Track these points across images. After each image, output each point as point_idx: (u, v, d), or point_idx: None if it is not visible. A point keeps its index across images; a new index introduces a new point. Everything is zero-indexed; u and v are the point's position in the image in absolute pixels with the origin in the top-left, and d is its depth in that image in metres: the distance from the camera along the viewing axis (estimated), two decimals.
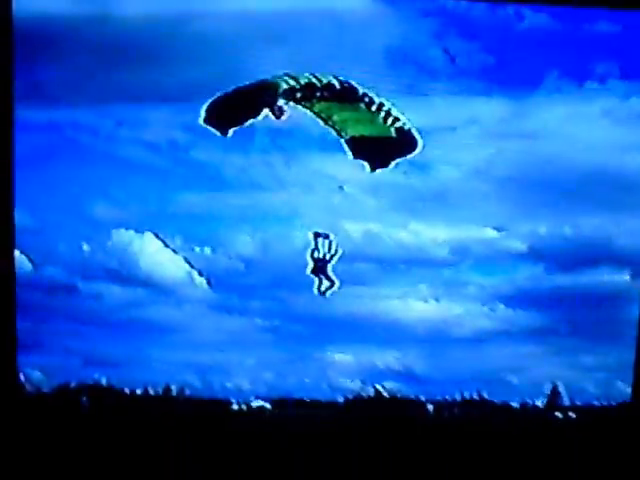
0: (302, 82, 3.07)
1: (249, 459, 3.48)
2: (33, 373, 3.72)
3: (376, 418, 4.40)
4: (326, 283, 3.65)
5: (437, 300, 4.10)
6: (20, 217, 3.47)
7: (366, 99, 3.22)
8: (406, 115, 3.32)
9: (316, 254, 3.60)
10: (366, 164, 3.52)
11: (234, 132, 3.13)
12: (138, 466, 3.38)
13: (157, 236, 3.74)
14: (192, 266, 3.86)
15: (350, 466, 3.69)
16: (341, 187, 3.63)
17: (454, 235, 4.04)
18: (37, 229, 3.61)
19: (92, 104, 3.46)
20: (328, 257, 3.61)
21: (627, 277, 3.90)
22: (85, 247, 3.75)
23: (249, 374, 4.01)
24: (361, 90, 3.21)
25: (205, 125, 3.15)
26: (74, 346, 3.72)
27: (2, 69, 3.00)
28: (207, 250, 3.91)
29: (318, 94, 3.15)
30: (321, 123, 3.38)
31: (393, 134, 3.31)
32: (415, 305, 4.10)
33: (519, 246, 4.05)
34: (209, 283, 3.85)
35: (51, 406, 3.52)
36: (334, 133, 3.44)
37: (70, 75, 3.36)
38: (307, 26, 3.42)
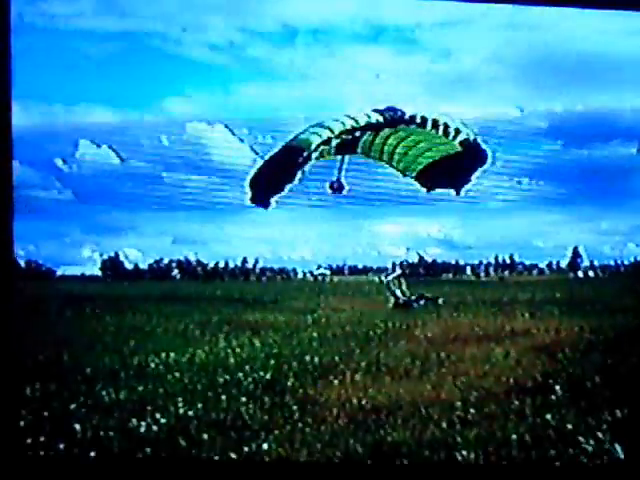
0: (336, 129, 3.25)
1: None
2: (131, 252, 4.39)
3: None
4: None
5: None
6: (103, 114, 3.91)
7: (417, 120, 3.36)
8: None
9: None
10: (450, 190, 3.83)
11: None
12: None
13: (226, 127, 4.18)
14: (257, 153, 4.35)
15: None
16: (377, 75, 4.06)
17: (480, 115, 4.28)
18: (121, 127, 4.11)
19: (158, 14, 3.98)
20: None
21: (634, 150, 4.17)
22: (165, 141, 4.29)
23: (311, 246, 4.60)
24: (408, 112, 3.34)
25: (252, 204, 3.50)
26: (164, 228, 4.32)
27: None
28: (269, 138, 4.41)
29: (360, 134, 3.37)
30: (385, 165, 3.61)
31: (459, 148, 3.60)
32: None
33: (539, 124, 4.36)
34: None
35: None
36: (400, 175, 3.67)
37: None
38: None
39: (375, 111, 3.55)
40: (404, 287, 5.03)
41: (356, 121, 3.42)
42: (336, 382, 3.73)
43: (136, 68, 3.94)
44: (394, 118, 3.39)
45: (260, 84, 4.20)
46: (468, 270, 5.42)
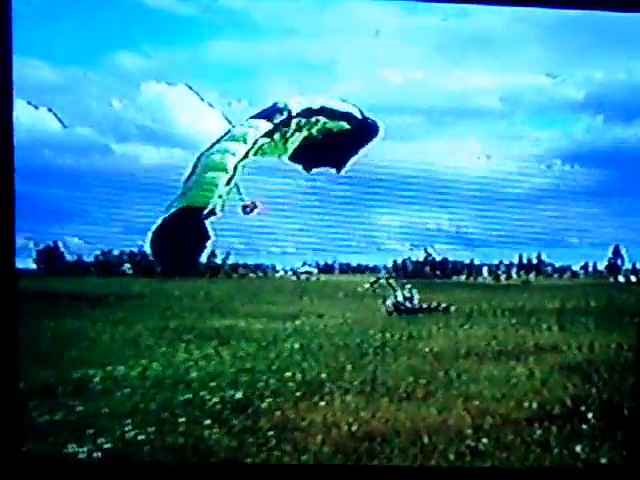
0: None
1: None
2: (73, 242, 4.39)
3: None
4: None
5: (489, 157, 4.50)
6: (44, 73, 3.93)
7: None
8: None
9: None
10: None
11: None
12: None
13: (191, 89, 4.14)
14: (230, 122, 4.32)
15: None
16: (377, 32, 4.06)
17: (504, 83, 4.42)
18: (64, 86, 4.12)
19: None
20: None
21: None
22: (115, 104, 4.30)
23: (294, 238, 4.63)
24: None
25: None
26: (114, 213, 4.32)
27: None
28: (244, 104, 4.40)
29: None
30: None
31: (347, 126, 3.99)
32: (466, 162, 4.51)
33: (575, 94, 4.42)
34: None
35: None
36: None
37: None
38: None
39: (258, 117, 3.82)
40: (405, 292, 5.09)
41: (244, 140, 3.74)
42: (322, 404, 3.78)
43: (82, 16, 3.90)
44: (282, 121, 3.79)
45: (234, 39, 4.22)
46: (485, 271, 5.50)
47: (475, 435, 3.53)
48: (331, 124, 4.03)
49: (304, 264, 5.25)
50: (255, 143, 3.81)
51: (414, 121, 4.58)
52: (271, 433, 3.51)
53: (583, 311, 4.96)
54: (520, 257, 5.28)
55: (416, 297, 5.15)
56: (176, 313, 4.99)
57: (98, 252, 4.68)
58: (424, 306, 5.12)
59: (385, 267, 5.15)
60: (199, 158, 3.83)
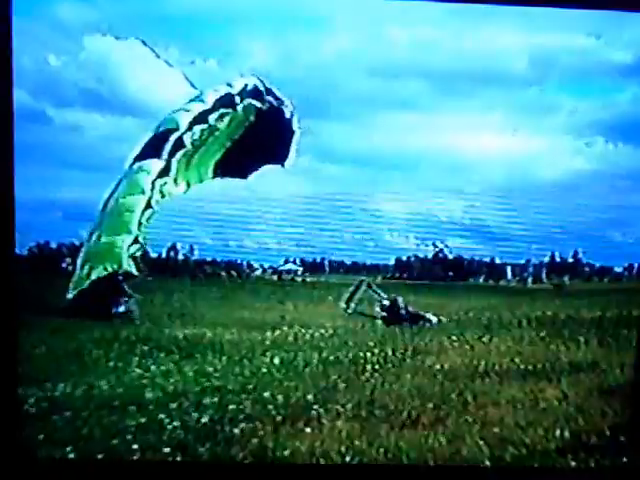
0: None
1: None
2: None
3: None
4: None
5: (515, 131, 4.54)
6: None
7: None
8: None
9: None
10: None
11: None
12: None
13: (145, 44, 4.18)
14: (193, 85, 4.40)
15: None
16: None
17: (534, 43, 4.43)
18: None
19: None
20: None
21: None
22: (53, 61, 4.34)
23: (275, 229, 4.73)
24: None
25: None
26: (52, 194, 4.39)
27: None
28: (212, 63, 4.41)
29: None
30: None
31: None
32: (486, 138, 4.56)
33: (622, 57, 4.46)
34: None
35: None
36: None
37: None
38: None
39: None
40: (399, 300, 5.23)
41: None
42: (308, 430, 3.87)
43: None
44: None
45: None
46: (509, 273, 5.61)
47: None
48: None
49: (286, 261, 5.33)
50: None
51: (421, 88, 4.67)
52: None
53: (626, 322, 4.90)
54: (552, 256, 5.35)
55: (402, 305, 5.26)
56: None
57: (32, 244, 4.73)
58: (411, 314, 5.20)
59: (385, 267, 5.24)
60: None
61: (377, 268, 5.08)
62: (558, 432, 3.93)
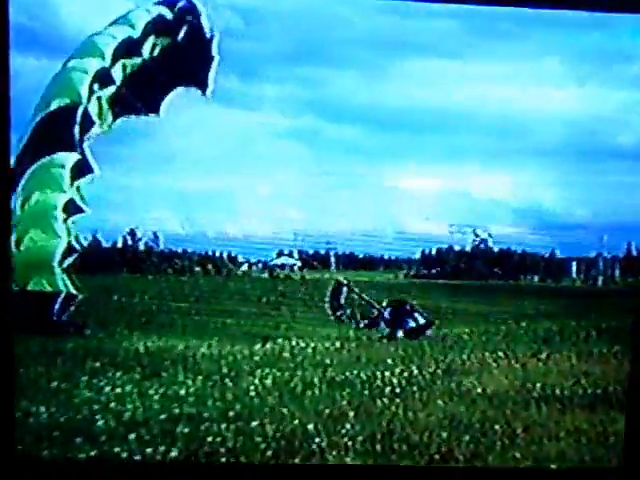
0: None
1: None
2: None
3: None
4: None
5: (581, 85, 4.64)
6: None
7: None
8: None
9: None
10: None
11: None
12: None
13: None
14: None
15: None
16: None
17: None
18: None
19: None
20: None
21: None
22: None
23: (264, 212, 4.78)
24: None
25: None
26: None
27: None
28: None
29: None
30: None
31: None
32: (541, 93, 4.64)
33: None
34: None
35: None
36: None
37: None
38: None
39: None
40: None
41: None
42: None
43: None
44: None
45: None
46: (573, 269, 5.66)
47: None
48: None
49: (280, 253, 5.39)
50: None
51: (452, 27, 4.68)
52: None
53: None
54: (628, 248, 5.40)
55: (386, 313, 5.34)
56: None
57: None
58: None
59: (409, 261, 5.29)
60: None
61: (398, 263, 5.12)
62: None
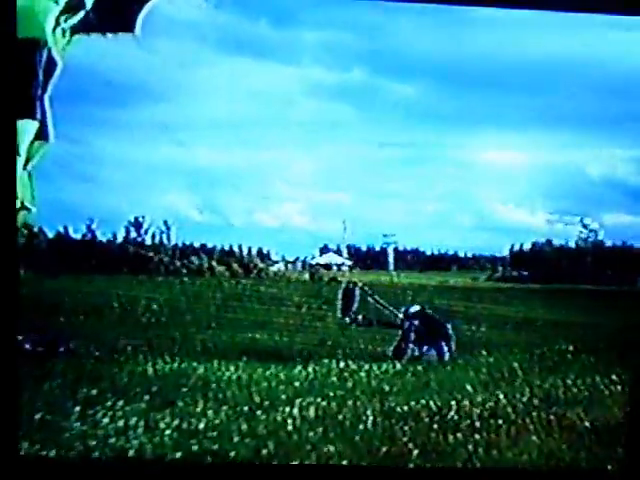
0: None
1: None
2: None
3: None
4: None
5: None
6: None
7: None
8: None
9: None
10: None
11: None
12: None
13: None
14: None
15: None
16: None
17: None
18: None
19: None
20: None
21: None
22: None
23: (305, 195, 4.83)
24: None
25: None
26: None
27: None
28: None
29: None
30: None
31: None
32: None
33: None
34: None
35: None
36: None
37: None
38: None
39: None
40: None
41: None
42: None
43: None
44: None
45: None
46: None
47: None
48: None
49: (324, 249, 5.45)
50: None
51: None
52: None
53: None
54: None
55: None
56: None
57: None
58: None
59: (494, 260, 5.29)
60: None
61: (478, 262, 5.13)
62: None
